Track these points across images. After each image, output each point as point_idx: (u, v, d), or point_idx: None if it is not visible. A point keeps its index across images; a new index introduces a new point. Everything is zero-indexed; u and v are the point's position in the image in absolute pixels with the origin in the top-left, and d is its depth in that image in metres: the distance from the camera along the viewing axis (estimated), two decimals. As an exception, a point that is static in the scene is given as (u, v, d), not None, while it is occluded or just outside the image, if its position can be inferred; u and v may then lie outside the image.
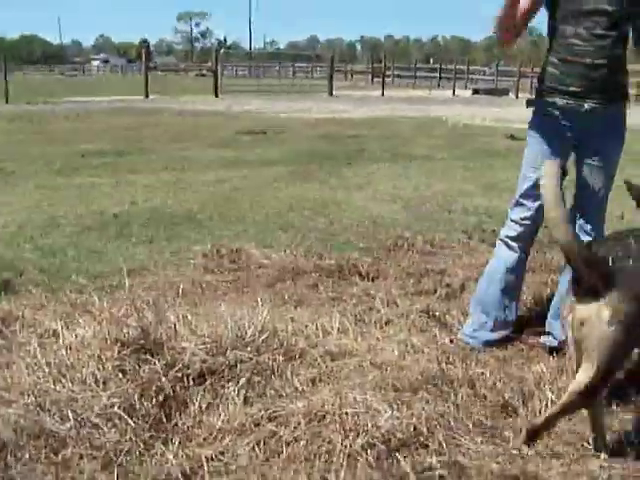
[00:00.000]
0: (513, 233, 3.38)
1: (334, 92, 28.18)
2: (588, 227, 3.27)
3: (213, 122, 15.00)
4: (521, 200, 3.34)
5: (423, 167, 8.87)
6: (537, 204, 3.22)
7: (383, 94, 29.93)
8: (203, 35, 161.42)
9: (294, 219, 5.87)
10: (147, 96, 25.10)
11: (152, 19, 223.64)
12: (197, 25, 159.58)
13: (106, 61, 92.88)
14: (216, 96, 26.04)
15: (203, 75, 49.38)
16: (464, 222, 5.84)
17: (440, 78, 45.95)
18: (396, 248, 4.91)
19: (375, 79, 44.19)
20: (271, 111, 18.75)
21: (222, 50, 44.31)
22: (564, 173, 3.20)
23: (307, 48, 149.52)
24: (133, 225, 5.60)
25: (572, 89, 3.14)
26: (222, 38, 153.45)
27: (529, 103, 3.34)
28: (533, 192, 3.22)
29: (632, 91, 32.28)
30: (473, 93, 33.50)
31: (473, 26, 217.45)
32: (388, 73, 42.51)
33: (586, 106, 3.13)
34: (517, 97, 30.57)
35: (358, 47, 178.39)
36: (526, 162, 3.34)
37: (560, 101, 3.18)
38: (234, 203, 6.52)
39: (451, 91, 34.20)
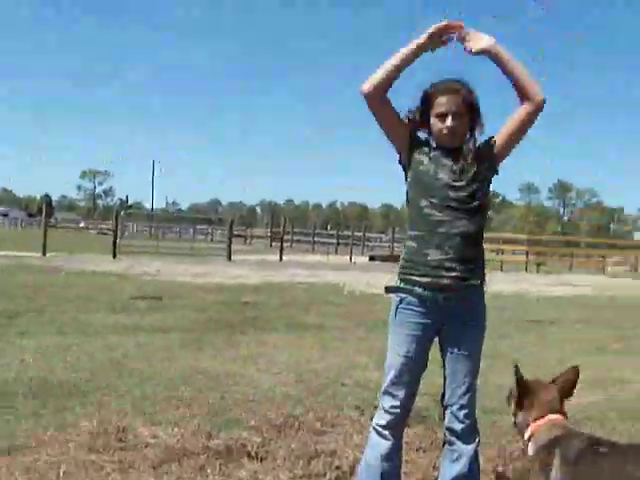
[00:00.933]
0: (383, 421, 3.40)
1: (233, 256, 28.45)
2: (461, 414, 3.36)
3: (110, 284, 14.89)
4: (388, 389, 3.39)
5: (318, 336, 8.98)
6: (404, 391, 3.34)
7: (281, 259, 30.37)
8: (106, 193, 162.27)
9: (184, 393, 5.81)
10: (44, 254, 24.81)
11: (56, 175, 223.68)
12: (100, 183, 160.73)
13: (5, 215, 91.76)
14: (115, 257, 25.93)
15: (104, 233, 49.32)
16: (357, 397, 5.89)
17: (338, 244, 47.11)
18: (287, 427, 4.90)
19: (274, 243, 44.93)
20: (169, 274, 18.75)
21: (123, 211, 44.55)
22: (425, 365, 3.38)
23: (209, 210, 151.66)
24: (18, 396, 5.44)
25: (429, 259, 3.28)
26: (124, 197, 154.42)
27: (388, 290, 3.45)
28: (400, 380, 3.34)
29: (531, 258, 33.95)
30: (370, 259, 34.24)
31: (370, 193, 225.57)
32: (287, 237, 43.39)
33: (445, 281, 3.27)
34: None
35: (259, 210, 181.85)
36: (390, 350, 3.42)
37: (421, 280, 3.29)
38: (125, 373, 6.43)
39: (348, 257, 34.96)
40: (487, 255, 3.55)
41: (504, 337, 9.52)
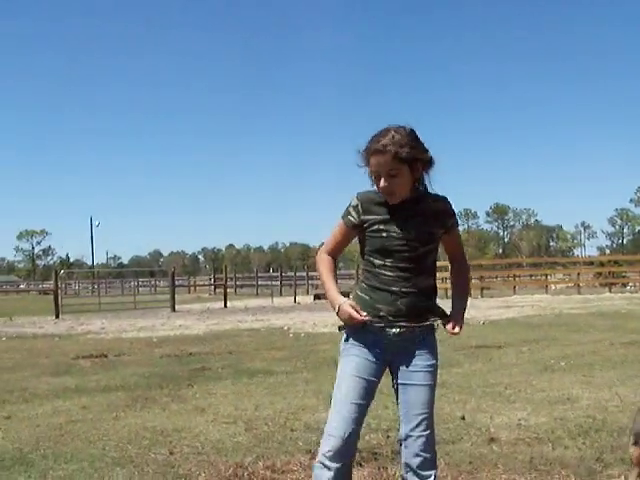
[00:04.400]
0: (328, 447, 3.29)
1: (177, 307, 28.21)
2: (418, 447, 3.33)
3: (52, 346, 14.60)
4: (335, 408, 3.34)
5: (265, 382, 8.89)
6: (351, 411, 3.29)
7: (226, 305, 30.20)
8: (45, 252, 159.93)
9: (132, 452, 5.67)
10: (-18, 320, 24.32)
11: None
12: (38, 243, 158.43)
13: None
14: (57, 317, 25.51)
15: (46, 293, 48.49)
16: (307, 440, 5.81)
17: (282, 285, 47.10)
18: (236, 478, 4.81)
19: (218, 290, 44.72)
20: (113, 331, 18.48)
21: (63, 270, 43.92)
22: (372, 394, 3.39)
23: (150, 262, 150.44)
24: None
25: (382, 314, 3.32)
26: (64, 255, 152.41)
27: (342, 327, 3.46)
28: (347, 399, 3.31)
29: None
30: (315, 299, 34.07)
31: (311, 233, 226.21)
32: (230, 283, 43.25)
33: (394, 330, 3.32)
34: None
35: (201, 258, 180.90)
36: (339, 374, 3.40)
37: (370, 325, 3.32)
38: (70, 437, 6.26)
39: (293, 298, 34.90)
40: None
41: (452, 365, 9.57)
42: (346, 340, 3.43)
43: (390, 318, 3.31)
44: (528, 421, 6.25)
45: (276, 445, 5.70)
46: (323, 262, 3.52)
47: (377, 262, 3.36)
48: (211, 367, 10.43)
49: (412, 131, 3.33)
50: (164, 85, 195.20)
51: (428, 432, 3.35)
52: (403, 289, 3.31)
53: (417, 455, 3.31)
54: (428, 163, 3.35)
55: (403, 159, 3.25)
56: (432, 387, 3.40)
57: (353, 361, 3.36)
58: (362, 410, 3.35)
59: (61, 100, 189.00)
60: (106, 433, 6.38)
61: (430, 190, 3.42)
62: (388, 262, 3.33)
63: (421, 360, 3.39)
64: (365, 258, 3.43)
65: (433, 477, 3.35)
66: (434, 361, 3.42)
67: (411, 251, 3.32)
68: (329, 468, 3.28)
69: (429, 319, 3.39)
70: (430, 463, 3.35)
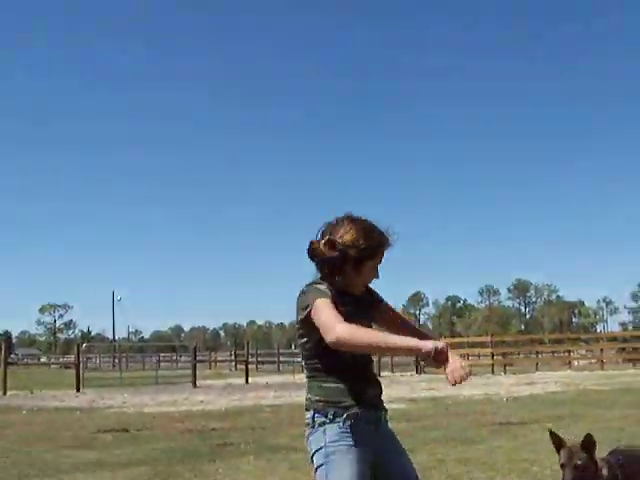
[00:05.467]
0: None
1: (198, 382, 28.10)
2: None
3: (74, 419, 14.61)
4: None
5: (288, 458, 8.84)
6: None
7: (247, 381, 30.05)
8: (67, 326, 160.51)
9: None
10: (5, 392, 24.40)
11: (14, 310, 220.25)
12: (60, 317, 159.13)
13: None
14: (78, 390, 25.49)
15: (67, 367, 48.49)
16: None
17: (304, 361, 46.79)
18: None
19: (239, 366, 44.55)
20: (134, 405, 18.44)
21: (84, 344, 44.01)
22: None
23: (172, 337, 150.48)
24: None
25: (366, 399, 3.18)
26: (86, 329, 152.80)
27: (330, 422, 3.18)
28: None
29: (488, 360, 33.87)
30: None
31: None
32: (251, 359, 43.07)
33: (382, 413, 3.27)
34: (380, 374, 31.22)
35: (222, 334, 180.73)
36: None
37: (364, 415, 3.15)
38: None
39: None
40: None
41: (476, 442, 9.47)
42: (338, 440, 3.11)
43: (375, 402, 3.24)
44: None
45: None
46: (351, 327, 2.97)
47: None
48: (233, 443, 10.37)
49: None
50: (180, 154, 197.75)
51: None
52: (369, 370, 3.30)
53: None
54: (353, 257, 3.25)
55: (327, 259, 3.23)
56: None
57: (356, 466, 3.07)
58: None
59: (83, 169, 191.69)
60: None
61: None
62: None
63: (396, 441, 3.31)
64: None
65: None
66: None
67: None
68: None
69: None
70: None
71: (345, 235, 3.21)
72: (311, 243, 3.24)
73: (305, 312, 3.12)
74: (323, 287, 3.16)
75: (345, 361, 3.13)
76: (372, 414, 3.19)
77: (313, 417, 3.19)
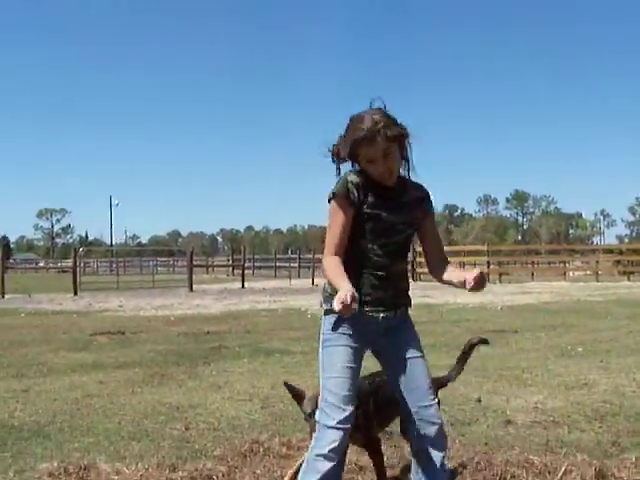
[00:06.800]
0: (328, 440, 3.21)
1: (195, 287, 28.29)
2: (430, 414, 3.31)
3: (71, 322, 14.71)
4: (333, 402, 3.23)
5: (282, 362, 8.91)
6: (350, 403, 3.23)
7: (244, 286, 30.27)
8: (64, 231, 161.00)
9: (148, 426, 5.70)
10: (3, 296, 24.61)
11: (12, 215, 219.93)
12: (58, 221, 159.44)
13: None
14: (75, 294, 25.69)
15: (65, 271, 48.75)
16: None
17: (300, 267, 47.19)
18: (252, 454, 4.82)
19: (236, 271, 44.82)
20: (131, 309, 18.59)
21: (82, 248, 44.14)
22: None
23: (169, 242, 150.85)
24: (-25, 442, 5.30)
25: (368, 299, 3.28)
26: (84, 234, 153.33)
27: (328, 312, 3.36)
28: (343, 391, 3.22)
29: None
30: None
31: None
32: (248, 265, 43.33)
33: (382, 315, 3.31)
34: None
35: (220, 239, 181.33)
36: (329, 365, 3.31)
37: (359, 313, 3.19)
38: (86, 411, 6.30)
39: (310, 280, 34.90)
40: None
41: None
42: (333, 329, 3.32)
43: (377, 303, 3.30)
44: (545, 405, 6.23)
45: (292, 423, 5.71)
46: (329, 265, 3.25)
47: (366, 245, 3.30)
48: (228, 346, 10.45)
49: (384, 109, 3.29)
50: (184, 73, 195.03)
51: (436, 400, 3.37)
52: (389, 272, 3.32)
53: (433, 423, 3.30)
54: (407, 137, 3.31)
55: (392, 138, 3.22)
56: (425, 360, 3.42)
57: (343, 352, 3.29)
58: (355, 397, 3.30)
59: (81, 83, 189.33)
60: (122, 408, 6.42)
61: (412, 172, 3.42)
62: (377, 245, 3.30)
63: (407, 338, 3.41)
64: (352, 242, 3.32)
65: (445, 451, 3.39)
66: (418, 337, 3.45)
67: (399, 234, 3.34)
68: (331, 459, 3.20)
69: (407, 300, 3.46)
70: (443, 431, 3.36)
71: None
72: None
73: (329, 199, 3.33)
74: (351, 177, 3.28)
75: (362, 255, 3.30)
76: (373, 314, 3.31)
77: (321, 306, 3.43)
